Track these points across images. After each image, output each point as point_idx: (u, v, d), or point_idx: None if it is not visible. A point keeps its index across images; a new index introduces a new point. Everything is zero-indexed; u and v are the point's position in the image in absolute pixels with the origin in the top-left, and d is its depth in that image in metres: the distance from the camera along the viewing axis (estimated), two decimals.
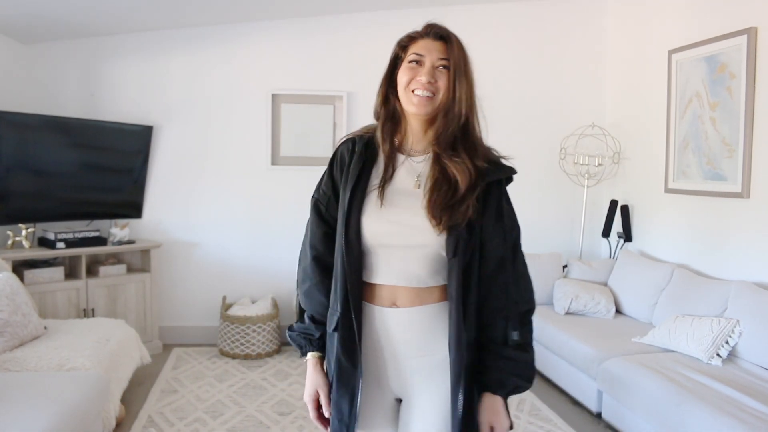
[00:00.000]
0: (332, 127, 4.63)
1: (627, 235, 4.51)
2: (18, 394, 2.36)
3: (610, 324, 3.80)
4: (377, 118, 1.50)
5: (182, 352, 4.37)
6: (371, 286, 1.41)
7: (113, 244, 4.18)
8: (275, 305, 4.49)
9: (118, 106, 4.44)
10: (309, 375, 1.50)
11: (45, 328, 3.19)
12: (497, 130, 5.87)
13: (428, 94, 1.38)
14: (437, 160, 1.41)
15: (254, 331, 4.23)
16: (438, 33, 1.42)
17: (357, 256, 1.39)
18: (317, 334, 1.50)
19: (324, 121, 4.66)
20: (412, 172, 1.44)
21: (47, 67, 4.36)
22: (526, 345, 1.41)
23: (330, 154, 1.55)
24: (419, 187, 1.42)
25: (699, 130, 3.78)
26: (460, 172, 1.37)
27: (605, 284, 4.27)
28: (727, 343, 3.06)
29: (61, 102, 4.34)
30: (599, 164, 4.65)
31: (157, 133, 4.50)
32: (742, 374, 2.87)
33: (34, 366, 2.74)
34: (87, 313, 3.97)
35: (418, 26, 1.47)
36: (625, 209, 4.54)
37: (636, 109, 4.54)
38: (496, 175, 1.42)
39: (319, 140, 4.63)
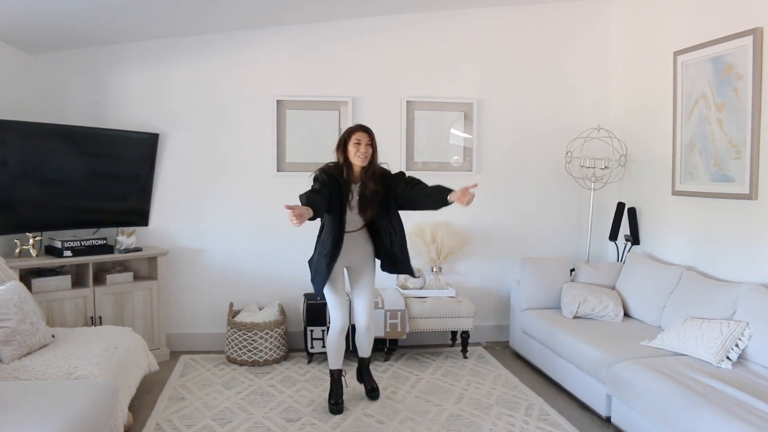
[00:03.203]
0: (338, 132, 4.61)
1: (634, 238, 4.49)
2: (27, 402, 2.36)
3: (619, 327, 3.78)
4: (340, 165, 3.32)
5: (190, 360, 4.37)
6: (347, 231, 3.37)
7: (120, 251, 4.20)
8: (282, 311, 4.49)
9: (123, 114, 4.47)
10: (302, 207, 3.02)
11: (53, 336, 3.21)
12: (502, 135, 5.83)
13: (363, 157, 3.26)
14: (363, 186, 3.32)
15: (261, 337, 4.22)
16: (364, 128, 3.31)
17: (341, 222, 3.29)
18: (307, 204, 3.02)
19: (329, 127, 4.66)
20: (356, 192, 3.33)
21: (53, 76, 4.40)
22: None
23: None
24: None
25: (706, 131, 3.76)
26: (370, 192, 3.30)
27: (613, 287, 4.25)
28: (736, 345, 3.04)
29: (67, 111, 4.37)
30: (605, 167, 4.63)
31: (163, 140, 4.52)
32: (752, 377, 2.85)
33: (42, 374, 2.75)
34: (94, 321, 3.98)
35: (353, 125, 3.34)
36: (632, 212, 4.52)
37: (642, 112, 4.53)
38: (385, 179, 3.37)
39: (325, 146, 4.55)
